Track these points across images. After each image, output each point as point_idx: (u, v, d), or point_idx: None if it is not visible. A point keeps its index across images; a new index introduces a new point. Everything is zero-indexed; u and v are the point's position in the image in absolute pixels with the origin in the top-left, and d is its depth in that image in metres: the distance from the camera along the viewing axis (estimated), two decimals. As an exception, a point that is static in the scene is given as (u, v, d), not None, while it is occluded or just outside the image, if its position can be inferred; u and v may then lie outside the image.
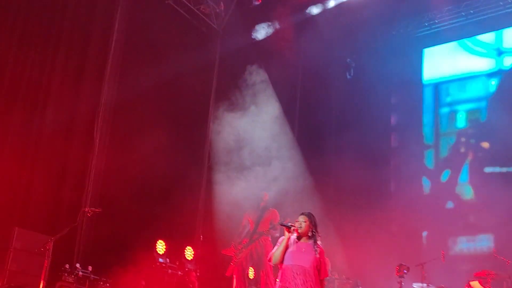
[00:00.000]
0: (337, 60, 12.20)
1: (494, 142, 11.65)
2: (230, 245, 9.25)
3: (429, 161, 12.43)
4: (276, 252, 6.26)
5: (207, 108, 11.49)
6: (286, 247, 6.22)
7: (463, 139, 12.31)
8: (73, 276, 8.38)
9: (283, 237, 6.29)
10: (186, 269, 9.81)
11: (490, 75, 12.39)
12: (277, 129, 10.37)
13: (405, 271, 9.10)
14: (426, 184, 12.24)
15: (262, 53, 10.79)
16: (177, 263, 9.69)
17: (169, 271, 9.47)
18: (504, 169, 11.24)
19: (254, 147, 9.91)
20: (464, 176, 11.86)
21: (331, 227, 9.98)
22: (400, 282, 9.02)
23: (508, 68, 12.17)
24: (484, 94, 12.37)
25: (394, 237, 11.50)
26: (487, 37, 12.60)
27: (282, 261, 6.20)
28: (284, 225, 6.25)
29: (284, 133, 10.55)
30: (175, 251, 9.80)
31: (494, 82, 12.33)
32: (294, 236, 6.21)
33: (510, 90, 11.75)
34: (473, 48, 12.68)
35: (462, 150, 12.18)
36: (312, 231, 6.29)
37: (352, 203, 10.99)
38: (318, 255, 6.17)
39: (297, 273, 6.09)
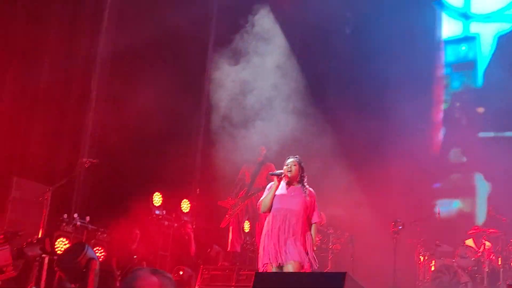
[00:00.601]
0: (336, 15, 11.97)
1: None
2: (226, 197, 9.29)
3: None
4: (265, 199, 6.13)
5: (205, 58, 11.36)
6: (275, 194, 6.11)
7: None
8: (71, 226, 8.46)
9: (272, 183, 6.19)
10: (182, 221, 9.91)
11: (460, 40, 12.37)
12: (277, 80, 10.24)
13: (400, 227, 9.17)
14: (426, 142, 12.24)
15: (262, 2, 10.55)
16: (174, 215, 9.79)
17: (166, 223, 9.57)
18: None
19: (254, 99, 9.81)
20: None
21: (328, 181, 9.99)
22: (394, 238, 9.10)
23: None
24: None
25: (391, 194, 11.56)
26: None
27: (271, 209, 6.09)
28: (274, 174, 6.18)
29: (284, 84, 10.41)
30: (171, 204, 9.89)
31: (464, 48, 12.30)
32: (283, 183, 6.11)
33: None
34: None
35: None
36: (301, 175, 6.17)
37: (350, 158, 10.99)
38: (308, 197, 6.04)
39: (285, 217, 5.94)
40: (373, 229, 10.30)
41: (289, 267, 5.73)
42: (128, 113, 9.69)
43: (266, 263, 5.87)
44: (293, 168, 6.13)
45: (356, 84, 11.93)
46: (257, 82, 9.86)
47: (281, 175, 6.12)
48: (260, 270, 5.89)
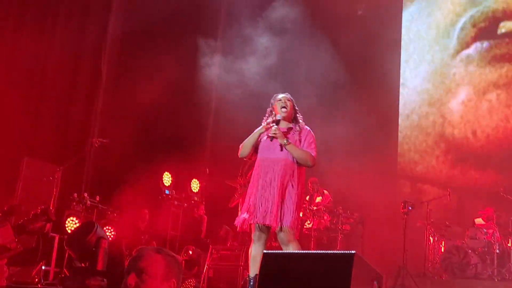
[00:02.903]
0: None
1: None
2: (235, 176, 9.26)
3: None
4: (245, 143, 5.35)
5: (216, 36, 11.27)
6: (258, 140, 5.27)
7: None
8: (81, 205, 8.51)
9: (259, 128, 5.37)
10: (194, 201, 9.92)
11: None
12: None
13: (410, 207, 9.11)
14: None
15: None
16: (183, 195, 9.81)
17: (175, 202, 9.61)
18: None
19: (257, 82, 9.73)
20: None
21: (337, 162, 9.95)
22: (404, 219, 9.06)
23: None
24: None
25: (401, 175, 11.52)
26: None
27: (250, 155, 5.37)
28: (275, 121, 5.23)
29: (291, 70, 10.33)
30: (181, 183, 9.91)
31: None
32: (274, 126, 5.18)
33: None
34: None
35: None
36: (295, 111, 5.37)
37: (359, 141, 10.92)
38: (299, 137, 5.23)
39: (271, 167, 5.16)
40: (383, 210, 10.27)
41: (281, 234, 5.13)
42: (138, 93, 9.68)
43: (250, 222, 5.23)
44: (288, 104, 5.33)
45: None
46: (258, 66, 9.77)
47: (279, 119, 5.22)
48: (238, 225, 5.39)
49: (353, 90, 11.16)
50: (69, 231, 7.85)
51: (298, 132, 5.30)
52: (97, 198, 8.77)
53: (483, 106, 11.26)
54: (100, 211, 8.79)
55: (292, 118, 5.37)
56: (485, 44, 11.36)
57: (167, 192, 9.52)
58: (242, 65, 9.77)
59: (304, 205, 9.20)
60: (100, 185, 9.50)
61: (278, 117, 5.25)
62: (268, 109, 5.46)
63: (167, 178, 9.61)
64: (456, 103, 11.53)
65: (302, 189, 5.37)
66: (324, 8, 11.13)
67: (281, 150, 5.20)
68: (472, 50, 11.50)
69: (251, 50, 9.95)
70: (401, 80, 12.08)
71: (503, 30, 11.30)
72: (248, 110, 9.39)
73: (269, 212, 5.14)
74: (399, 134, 11.91)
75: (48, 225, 7.52)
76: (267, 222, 5.16)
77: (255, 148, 5.38)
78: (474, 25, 11.54)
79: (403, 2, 12.39)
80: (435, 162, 11.51)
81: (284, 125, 5.32)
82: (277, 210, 5.13)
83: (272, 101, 5.45)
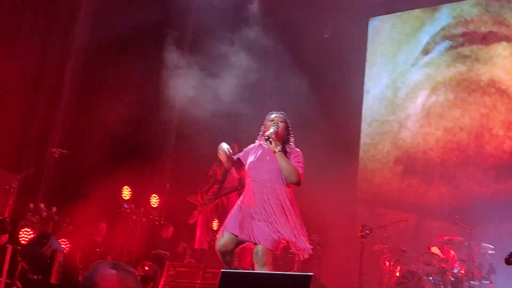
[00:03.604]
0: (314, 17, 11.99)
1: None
2: (196, 193, 9.23)
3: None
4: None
5: (181, 55, 11.27)
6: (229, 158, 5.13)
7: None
8: (37, 216, 8.33)
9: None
10: (158, 222, 9.89)
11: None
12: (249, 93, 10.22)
13: (367, 231, 9.21)
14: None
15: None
16: (142, 210, 9.73)
17: (133, 217, 9.51)
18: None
19: (222, 101, 9.76)
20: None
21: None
22: (361, 243, 9.14)
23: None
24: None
25: (360, 197, 11.65)
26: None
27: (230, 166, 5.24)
28: (268, 139, 5.09)
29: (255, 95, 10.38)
30: (140, 198, 9.83)
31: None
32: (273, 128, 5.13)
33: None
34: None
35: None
36: (287, 135, 5.24)
37: (320, 163, 10.99)
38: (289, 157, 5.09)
39: (260, 189, 5.05)
40: (341, 232, 10.35)
41: (259, 251, 4.96)
42: (100, 106, 9.59)
43: (223, 230, 5.11)
44: (280, 124, 5.22)
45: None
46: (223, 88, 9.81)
47: (270, 137, 5.07)
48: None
49: (317, 111, 11.27)
50: (23, 242, 7.67)
51: (287, 153, 5.18)
52: (54, 209, 8.60)
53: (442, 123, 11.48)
54: (56, 222, 8.61)
55: (283, 139, 5.23)
56: (445, 56, 11.64)
57: (125, 206, 9.44)
58: (207, 82, 9.79)
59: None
60: (58, 196, 9.33)
61: (266, 136, 5.13)
62: (262, 127, 5.40)
63: (126, 192, 9.53)
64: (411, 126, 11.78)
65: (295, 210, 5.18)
66: (290, 27, 11.30)
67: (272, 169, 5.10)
68: (431, 58, 11.77)
69: (216, 68, 9.98)
70: (364, 104, 12.31)
71: (462, 42, 11.55)
72: (210, 127, 9.43)
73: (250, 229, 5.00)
74: (360, 161, 12.10)
75: (4, 237, 7.35)
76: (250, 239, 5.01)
77: (236, 164, 5.28)
78: (435, 36, 11.81)
79: (368, 17, 12.69)
80: (394, 185, 11.69)
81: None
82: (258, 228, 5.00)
83: (266, 118, 5.38)
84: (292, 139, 5.31)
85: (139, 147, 10.41)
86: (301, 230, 5.17)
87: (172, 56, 10.68)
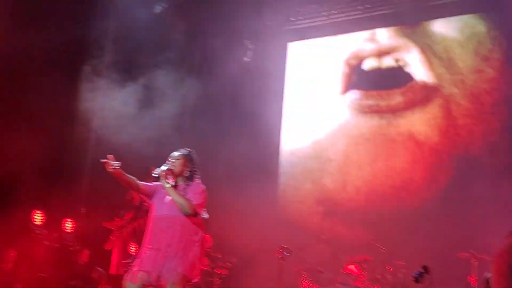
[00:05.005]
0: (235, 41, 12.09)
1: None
2: (113, 218, 9.00)
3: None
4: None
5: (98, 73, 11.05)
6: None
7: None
8: None
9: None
10: (74, 248, 9.56)
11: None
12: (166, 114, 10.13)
13: (286, 253, 9.27)
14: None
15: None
16: (55, 235, 9.38)
17: (46, 242, 9.15)
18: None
19: (143, 124, 9.63)
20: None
21: (214, 202, 9.97)
22: (281, 264, 9.18)
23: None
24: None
25: (280, 219, 11.74)
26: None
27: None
28: (156, 175, 5.27)
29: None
30: (53, 223, 9.47)
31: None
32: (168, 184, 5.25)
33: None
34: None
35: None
36: (190, 171, 5.38)
37: (239, 186, 11.02)
38: (187, 191, 5.24)
39: (164, 226, 5.18)
40: (261, 254, 10.37)
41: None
42: (9, 126, 9.20)
43: (137, 269, 5.15)
44: (177, 162, 5.37)
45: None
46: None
47: (160, 175, 5.25)
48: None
49: (237, 135, 11.34)
50: None
51: (188, 187, 5.34)
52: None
53: (354, 158, 11.80)
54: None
55: (184, 176, 5.39)
56: (358, 94, 12.03)
57: (37, 231, 9.06)
58: (128, 103, 9.64)
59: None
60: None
61: (155, 174, 5.29)
62: None
63: (38, 216, 9.15)
64: (333, 153, 12.05)
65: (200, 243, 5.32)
66: (211, 52, 11.35)
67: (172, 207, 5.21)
68: (349, 98, 12.12)
69: (128, 86, 9.86)
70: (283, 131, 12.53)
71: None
72: (130, 149, 9.24)
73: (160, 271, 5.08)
74: (280, 180, 12.24)
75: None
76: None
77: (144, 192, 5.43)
78: (351, 72, 12.20)
79: (287, 49, 12.94)
80: (311, 210, 11.89)
81: (179, 181, 5.38)
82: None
83: None
84: (197, 175, 5.45)
85: (53, 168, 10.04)
86: (195, 258, 5.24)
87: (90, 76, 10.47)
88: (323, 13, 12.32)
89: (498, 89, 10.67)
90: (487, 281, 6.76)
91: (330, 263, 10.19)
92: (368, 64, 12.06)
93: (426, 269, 5.32)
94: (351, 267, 9.88)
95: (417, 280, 5.30)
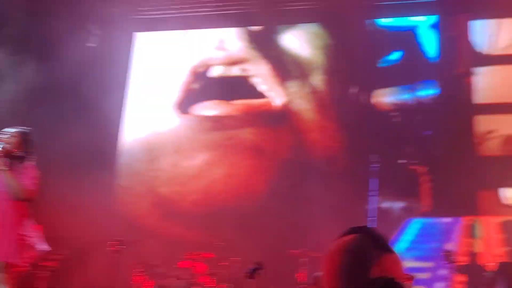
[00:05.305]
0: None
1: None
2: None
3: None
4: None
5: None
6: None
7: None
8: None
9: None
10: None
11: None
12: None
13: (120, 246, 9.18)
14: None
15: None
16: None
17: None
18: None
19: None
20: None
21: (47, 190, 9.53)
22: (116, 258, 9.06)
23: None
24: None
25: (116, 213, 11.53)
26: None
27: None
28: None
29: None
30: None
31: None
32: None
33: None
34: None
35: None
36: (25, 151, 5.13)
37: (74, 174, 10.57)
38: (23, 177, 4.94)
39: None
40: (96, 247, 10.10)
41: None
42: None
43: None
44: (13, 139, 5.04)
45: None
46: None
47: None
48: None
49: (73, 117, 10.87)
50: None
51: (22, 170, 5.05)
52: None
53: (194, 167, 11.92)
54: None
55: (16, 156, 5.10)
56: (200, 103, 12.15)
57: None
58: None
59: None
60: None
61: None
62: None
63: None
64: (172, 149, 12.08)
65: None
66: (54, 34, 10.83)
67: None
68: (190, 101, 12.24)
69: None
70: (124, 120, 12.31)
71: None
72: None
73: None
74: (117, 172, 12.02)
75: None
76: None
77: None
78: (196, 78, 12.30)
79: (134, 39, 12.74)
80: (148, 203, 11.83)
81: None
82: None
83: None
84: (32, 157, 5.19)
85: None
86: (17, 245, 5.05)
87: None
88: (172, 6, 12.25)
89: (342, 102, 11.34)
90: (316, 280, 7.26)
91: (166, 258, 10.22)
92: (215, 72, 12.23)
93: (259, 264, 5.58)
94: (187, 262, 10.01)
95: (250, 276, 5.54)
